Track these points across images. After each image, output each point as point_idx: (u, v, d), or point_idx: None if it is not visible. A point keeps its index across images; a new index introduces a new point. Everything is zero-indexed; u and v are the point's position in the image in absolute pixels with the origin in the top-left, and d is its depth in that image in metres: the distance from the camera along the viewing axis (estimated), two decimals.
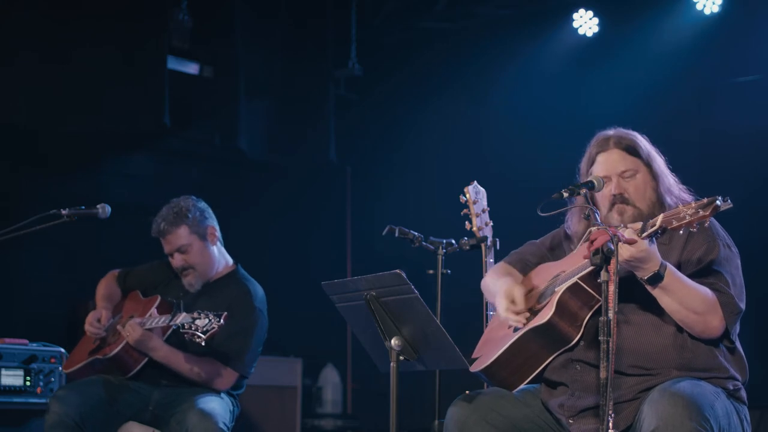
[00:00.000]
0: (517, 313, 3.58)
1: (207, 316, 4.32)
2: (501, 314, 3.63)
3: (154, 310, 4.75)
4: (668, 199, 3.57)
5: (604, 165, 3.62)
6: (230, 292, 4.87)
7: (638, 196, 3.57)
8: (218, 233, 4.99)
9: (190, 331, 4.32)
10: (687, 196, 3.62)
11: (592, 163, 3.67)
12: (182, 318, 4.40)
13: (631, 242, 3.26)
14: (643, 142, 3.64)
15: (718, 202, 3.08)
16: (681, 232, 3.18)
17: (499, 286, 3.70)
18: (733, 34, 6.88)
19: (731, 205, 3.12)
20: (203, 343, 4.33)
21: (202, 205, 4.98)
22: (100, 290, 5.09)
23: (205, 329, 4.29)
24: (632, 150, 3.60)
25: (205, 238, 4.90)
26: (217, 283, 4.95)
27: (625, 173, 3.59)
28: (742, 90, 6.89)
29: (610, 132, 3.69)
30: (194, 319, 4.34)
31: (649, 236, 3.21)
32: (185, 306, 4.80)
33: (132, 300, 5.03)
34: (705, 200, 3.10)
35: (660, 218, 3.18)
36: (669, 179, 3.62)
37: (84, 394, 4.63)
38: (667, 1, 7.18)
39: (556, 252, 3.81)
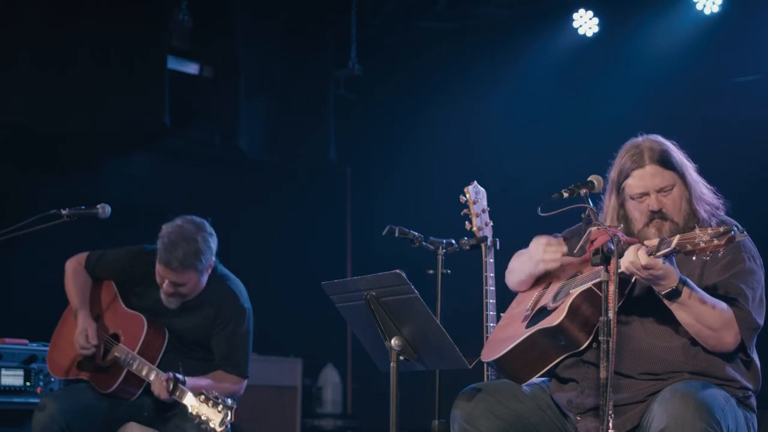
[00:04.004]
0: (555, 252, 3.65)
1: (215, 405, 4.11)
2: (539, 255, 3.67)
3: (143, 338, 4.62)
4: (701, 210, 3.54)
5: (642, 181, 3.55)
6: (215, 297, 4.77)
7: (675, 210, 3.54)
8: (212, 265, 4.78)
9: (199, 419, 4.14)
10: (716, 202, 3.59)
11: (626, 176, 3.59)
12: (187, 398, 4.25)
13: (631, 242, 3.27)
14: (676, 152, 3.58)
15: (733, 233, 3.07)
16: (694, 258, 3.17)
17: (527, 252, 3.75)
18: (733, 34, 6.88)
19: (746, 236, 3.13)
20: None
21: (212, 238, 4.74)
22: (71, 285, 4.88)
23: (221, 422, 4.09)
24: (667, 163, 3.53)
25: (203, 273, 4.73)
26: (200, 294, 4.81)
27: (663, 189, 3.54)
28: (742, 90, 6.89)
29: (640, 141, 3.60)
30: (200, 404, 4.14)
31: (664, 256, 3.20)
32: (170, 314, 4.74)
33: (110, 305, 4.88)
34: (721, 229, 3.09)
35: (675, 240, 3.17)
36: (700, 186, 3.58)
37: (70, 401, 4.59)
38: (667, 1, 7.18)
39: (570, 242, 3.78)
